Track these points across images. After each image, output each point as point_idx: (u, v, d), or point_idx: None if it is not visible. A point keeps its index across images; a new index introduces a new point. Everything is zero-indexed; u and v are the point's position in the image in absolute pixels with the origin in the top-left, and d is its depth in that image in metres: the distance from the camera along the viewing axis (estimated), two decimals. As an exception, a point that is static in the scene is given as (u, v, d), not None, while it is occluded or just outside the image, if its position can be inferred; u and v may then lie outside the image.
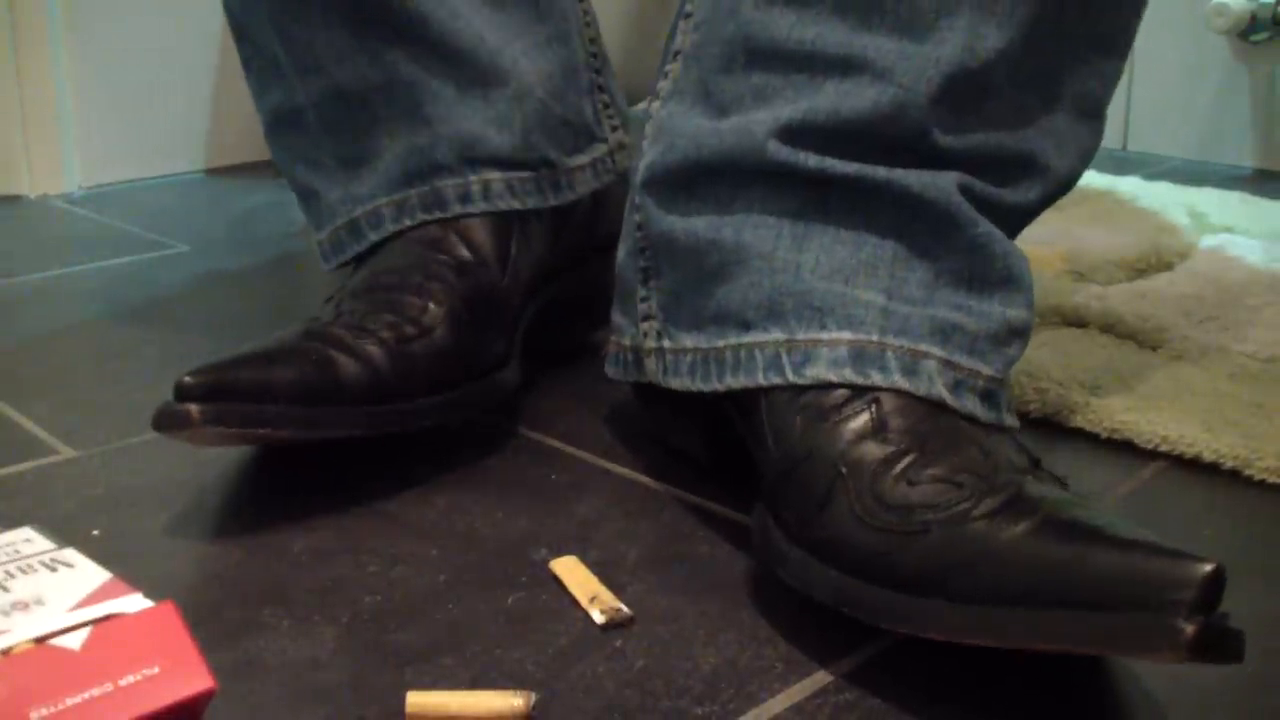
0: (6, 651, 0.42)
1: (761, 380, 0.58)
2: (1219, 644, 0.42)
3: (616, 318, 0.69)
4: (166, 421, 0.60)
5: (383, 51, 0.76)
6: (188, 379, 0.59)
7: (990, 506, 0.48)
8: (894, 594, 0.49)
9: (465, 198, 0.76)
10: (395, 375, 0.66)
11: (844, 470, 0.53)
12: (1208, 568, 0.42)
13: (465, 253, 0.74)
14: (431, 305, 0.70)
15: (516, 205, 0.77)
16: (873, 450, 0.53)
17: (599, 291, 0.79)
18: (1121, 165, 1.38)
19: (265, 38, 0.78)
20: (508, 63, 0.77)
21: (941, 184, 0.57)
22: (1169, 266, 1.00)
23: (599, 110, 0.83)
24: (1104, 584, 0.43)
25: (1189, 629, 0.41)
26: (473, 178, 0.76)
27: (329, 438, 0.65)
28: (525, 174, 0.78)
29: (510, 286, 0.75)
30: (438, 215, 0.75)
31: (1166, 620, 0.42)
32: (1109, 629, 0.43)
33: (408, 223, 0.75)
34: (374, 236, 0.76)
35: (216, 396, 0.60)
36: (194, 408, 0.59)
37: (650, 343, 0.65)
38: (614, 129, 0.84)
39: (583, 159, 0.81)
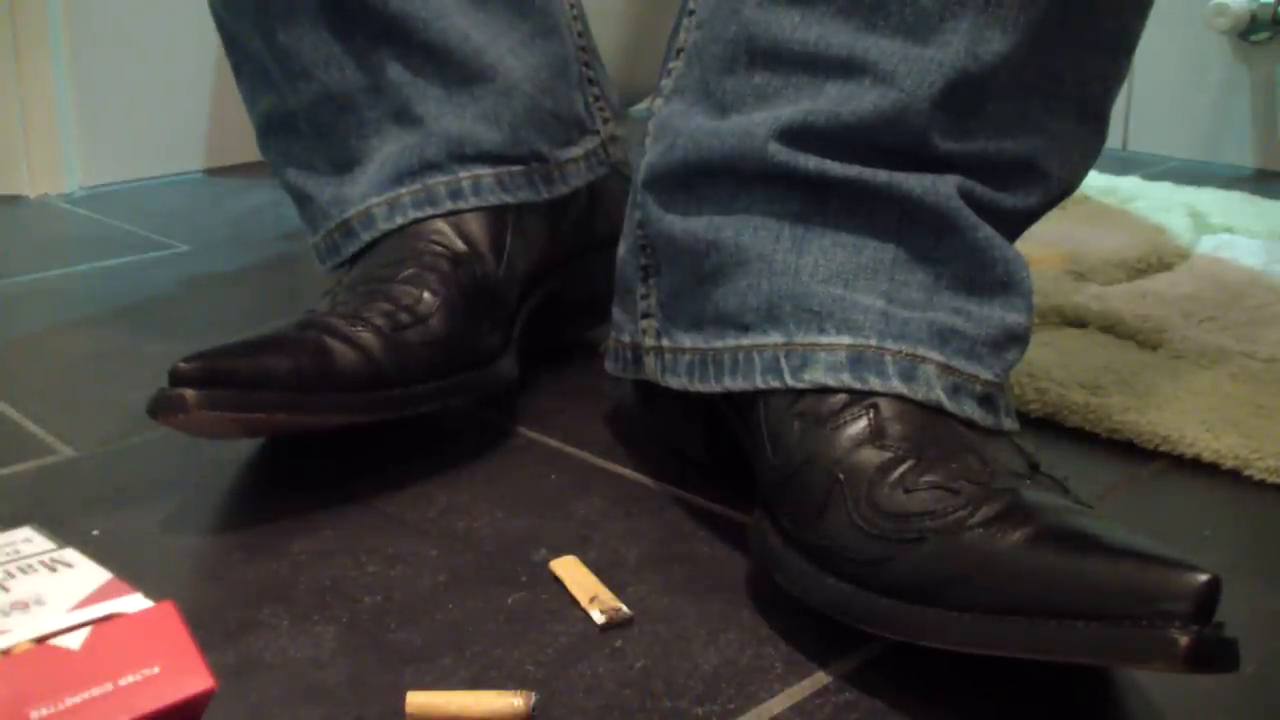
0: (6, 651, 0.42)
1: (759, 383, 0.58)
2: (1214, 654, 0.42)
3: (616, 314, 0.69)
4: (162, 406, 0.59)
5: (369, 54, 0.76)
6: (183, 365, 0.59)
7: (987, 515, 0.48)
8: (890, 602, 0.49)
9: (456, 194, 0.76)
10: (391, 362, 0.66)
11: (842, 476, 0.52)
12: (1203, 578, 0.42)
13: (460, 244, 0.74)
14: (426, 294, 0.70)
15: (508, 199, 0.77)
16: (870, 456, 0.53)
17: (599, 288, 0.79)
18: (1121, 165, 1.38)
19: (253, 44, 0.79)
20: (493, 59, 0.77)
21: (942, 188, 0.57)
22: (1169, 266, 1.00)
23: (590, 102, 0.83)
24: (1099, 594, 0.43)
25: (1184, 640, 0.41)
26: (463, 174, 0.76)
27: (325, 424, 0.65)
28: (516, 168, 0.78)
29: (506, 278, 0.75)
30: (429, 212, 0.75)
31: (1161, 631, 0.42)
32: (1104, 640, 0.43)
33: (400, 221, 0.75)
34: (367, 236, 0.76)
35: (212, 382, 0.60)
36: (189, 393, 0.59)
37: (649, 341, 0.65)
38: (606, 120, 0.84)
39: (575, 151, 0.81)
